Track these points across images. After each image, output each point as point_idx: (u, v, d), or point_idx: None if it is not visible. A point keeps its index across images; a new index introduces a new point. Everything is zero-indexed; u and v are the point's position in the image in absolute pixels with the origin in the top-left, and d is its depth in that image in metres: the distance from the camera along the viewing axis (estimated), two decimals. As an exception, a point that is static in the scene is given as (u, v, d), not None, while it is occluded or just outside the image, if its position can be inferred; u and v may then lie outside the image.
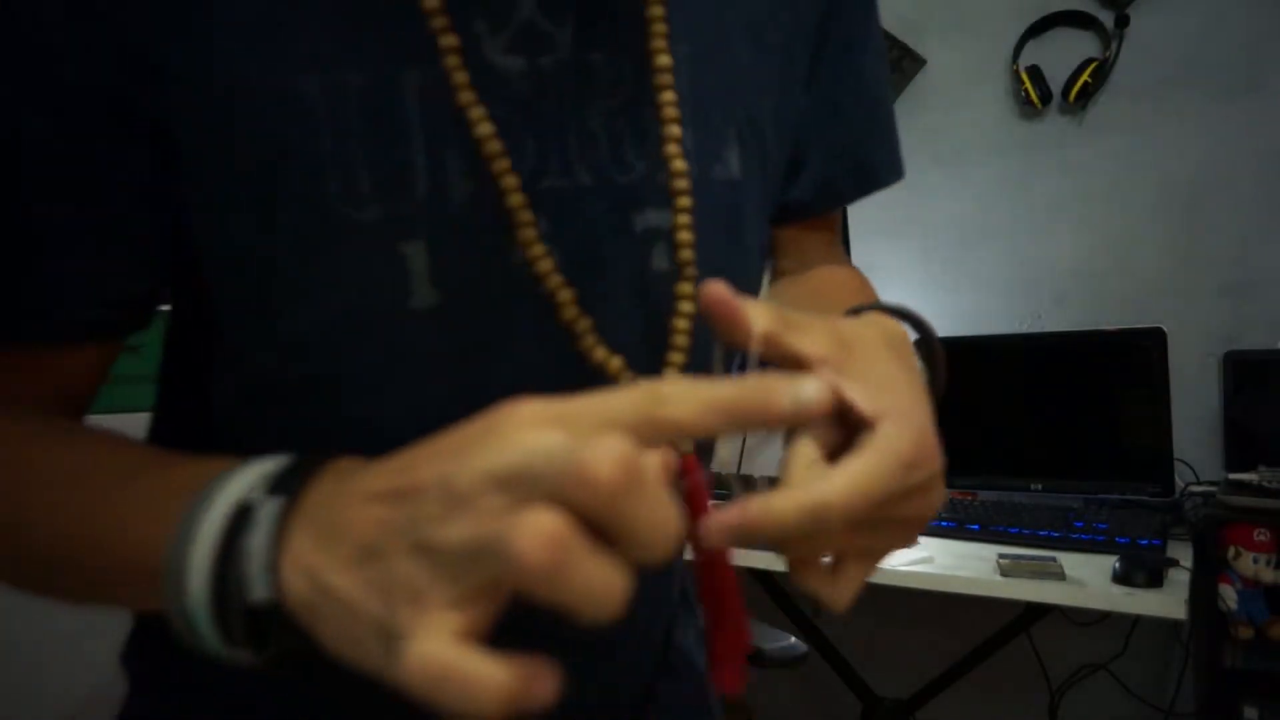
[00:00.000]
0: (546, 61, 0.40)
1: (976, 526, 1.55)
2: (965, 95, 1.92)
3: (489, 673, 0.23)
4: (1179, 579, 1.28)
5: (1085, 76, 1.73)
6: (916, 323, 0.42)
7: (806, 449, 0.31)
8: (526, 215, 0.38)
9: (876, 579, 1.37)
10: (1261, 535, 1.30)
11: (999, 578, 1.31)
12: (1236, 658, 1.31)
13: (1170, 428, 1.56)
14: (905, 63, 1.95)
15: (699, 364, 0.43)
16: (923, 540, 1.53)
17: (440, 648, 0.24)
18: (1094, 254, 1.80)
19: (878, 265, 2.00)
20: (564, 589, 0.23)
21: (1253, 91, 1.65)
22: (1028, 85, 1.79)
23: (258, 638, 0.30)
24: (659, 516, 0.25)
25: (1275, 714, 1.29)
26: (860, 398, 0.31)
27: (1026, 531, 1.49)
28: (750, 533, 0.27)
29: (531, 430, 0.25)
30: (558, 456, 0.24)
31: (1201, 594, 1.29)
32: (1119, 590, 1.24)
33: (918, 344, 0.42)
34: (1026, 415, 1.74)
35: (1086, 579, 1.28)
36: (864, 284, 0.61)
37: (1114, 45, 1.73)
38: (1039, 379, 1.73)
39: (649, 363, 0.41)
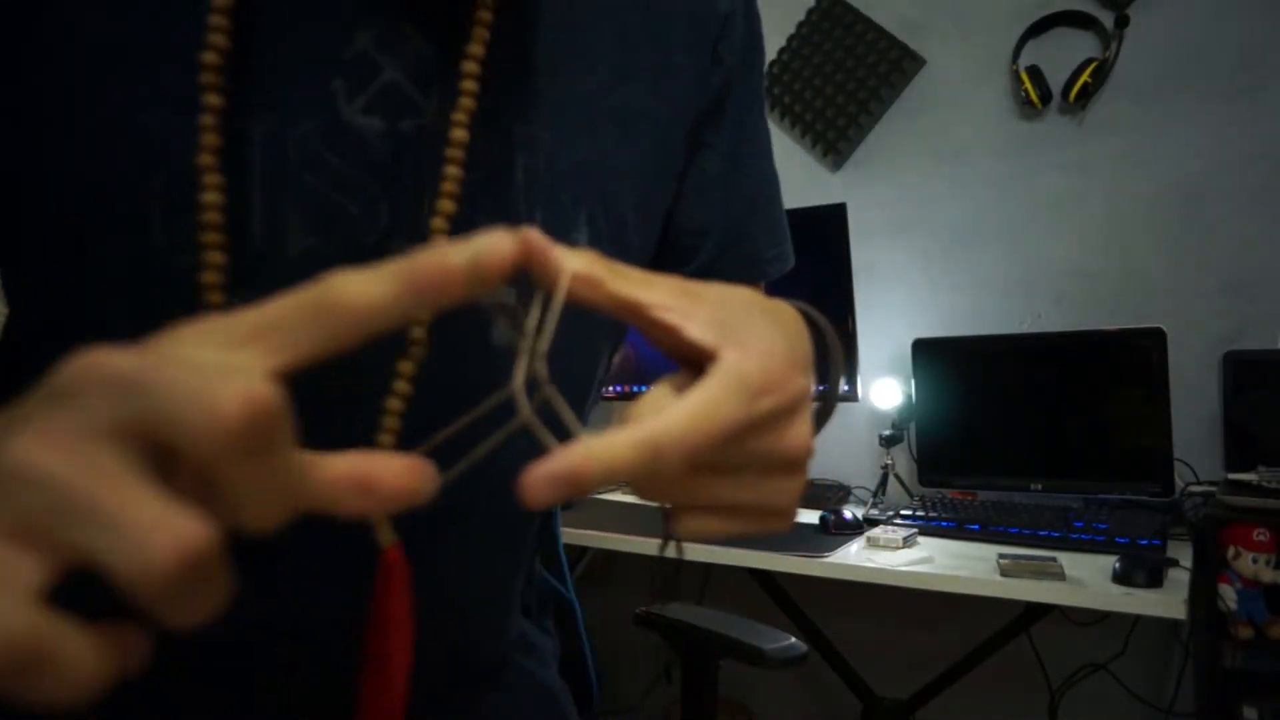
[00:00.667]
0: (407, 125, 0.40)
1: (976, 526, 1.55)
2: (965, 95, 1.92)
3: (84, 648, 0.19)
4: (1179, 579, 1.28)
5: (1085, 76, 1.73)
6: (810, 319, 0.43)
7: (660, 390, 0.28)
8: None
9: (877, 579, 1.38)
10: (1261, 535, 1.30)
11: (999, 578, 1.31)
12: (1236, 658, 1.31)
13: (1170, 428, 1.56)
14: (905, 63, 1.95)
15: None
16: (922, 540, 1.53)
17: (24, 616, 0.18)
18: (1094, 254, 1.80)
19: (878, 265, 2.00)
20: (166, 601, 0.19)
21: (1252, 91, 1.65)
22: (1028, 85, 1.79)
23: None
24: (275, 487, 0.21)
25: (1275, 714, 1.29)
26: (703, 334, 0.28)
27: (1026, 531, 1.49)
28: (578, 483, 0.24)
29: (177, 341, 0.21)
30: (182, 400, 0.19)
31: (1201, 594, 1.29)
32: (1119, 590, 1.24)
33: (817, 341, 0.42)
34: (1026, 415, 1.74)
35: (1086, 579, 1.28)
36: None
37: (1114, 45, 1.73)
38: (1039, 379, 1.73)
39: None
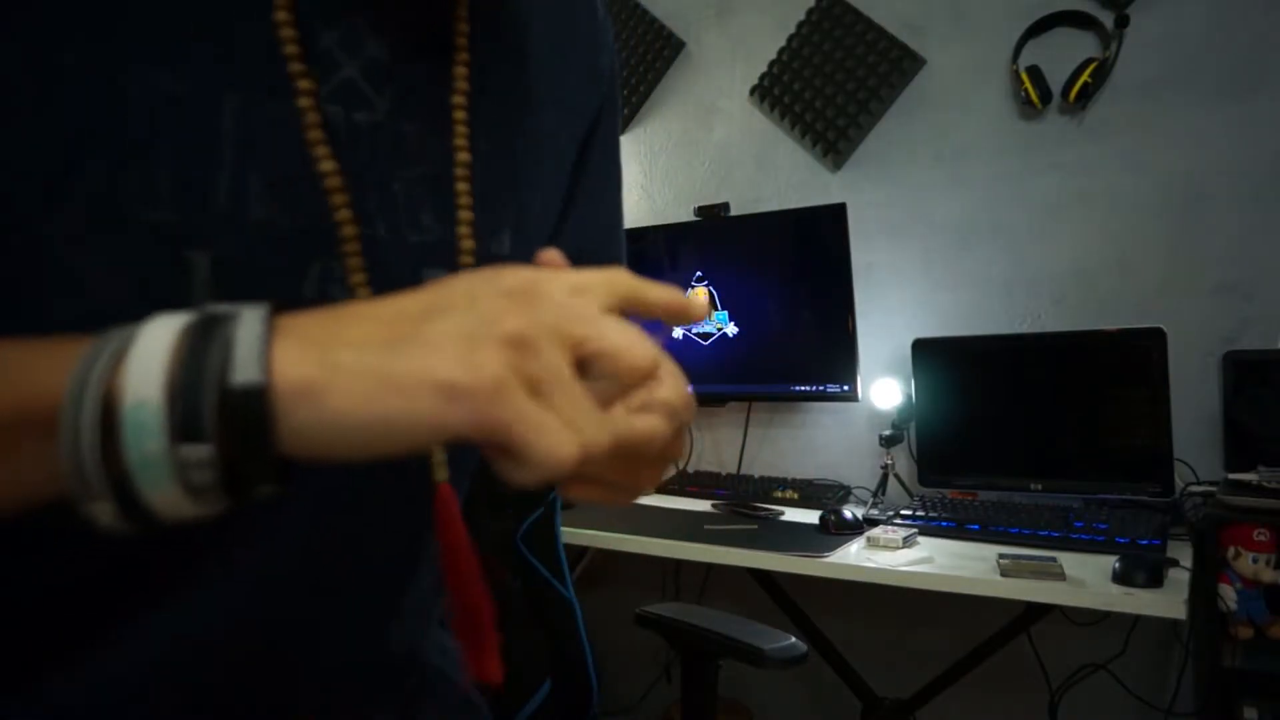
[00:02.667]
0: (361, 117, 0.46)
1: (976, 526, 1.55)
2: (965, 95, 1.92)
3: (570, 437, 0.29)
4: (1179, 579, 1.28)
5: (1085, 76, 1.73)
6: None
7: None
8: (353, 246, 0.43)
9: (877, 579, 1.38)
10: (1261, 535, 1.30)
11: (999, 578, 1.31)
12: (1236, 658, 1.31)
13: (1170, 428, 1.57)
14: (905, 63, 1.95)
15: None
16: (922, 540, 1.54)
17: (555, 422, 0.29)
18: (1094, 254, 1.80)
19: (878, 265, 2.00)
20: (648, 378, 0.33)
21: (1252, 91, 1.65)
22: (1028, 85, 1.79)
23: (225, 432, 0.28)
24: (678, 395, 0.34)
25: (1275, 714, 1.29)
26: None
27: (1026, 531, 1.49)
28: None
29: (613, 323, 0.32)
30: (633, 343, 0.32)
31: (1201, 594, 1.30)
32: (1119, 590, 1.24)
33: None
34: (1026, 415, 1.74)
35: (1086, 579, 1.28)
36: None
37: (1114, 45, 1.73)
38: (1039, 379, 1.73)
39: None
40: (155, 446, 0.27)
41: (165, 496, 0.28)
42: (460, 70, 0.48)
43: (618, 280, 0.34)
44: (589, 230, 0.63)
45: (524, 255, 0.53)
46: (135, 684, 0.45)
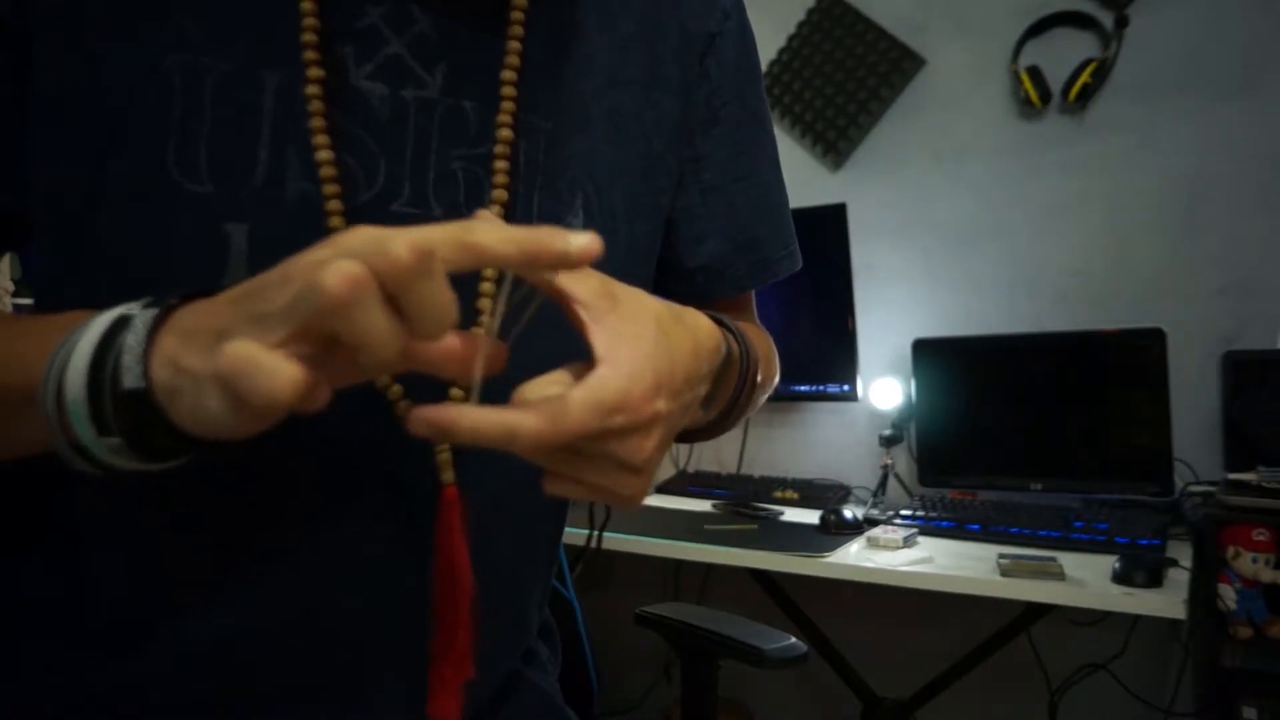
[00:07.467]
0: (408, 94, 0.45)
1: (976, 526, 1.55)
2: (965, 95, 1.92)
3: (285, 366, 0.28)
4: (1178, 579, 1.28)
5: (1085, 76, 1.73)
6: (730, 330, 0.48)
7: (557, 374, 0.35)
8: (339, 222, 0.43)
9: (877, 579, 1.38)
10: (1260, 535, 1.30)
11: (999, 578, 1.31)
12: (1235, 657, 1.31)
13: (1170, 428, 1.57)
14: (905, 63, 1.95)
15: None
16: (922, 540, 1.54)
17: (248, 347, 0.28)
18: (1094, 254, 1.80)
19: (878, 265, 2.00)
20: (357, 324, 0.27)
21: (1252, 91, 1.65)
22: (1028, 85, 1.79)
23: (127, 426, 0.33)
24: (441, 300, 0.29)
25: (1274, 714, 1.29)
26: (597, 341, 0.35)
27: (1026, 531, 1.49)
28: (445, 433, 0.31)
29: (357, 234, 0.29)
30: (371, 242, 0.28)
31: (1201, 594, 1.29)
32: (1119, 590, 1.24)
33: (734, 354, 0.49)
34: (1027, 415, 1.74)
35: (1086, 579, 1.28)
36: (761, 332, 0.65)
37: (1114, 45, 1.73)
38: (1039, 379, 1.73)
39: (439, 394, 0.46)
40: (90, 434, 0.33)
41: (114, 461, 0.34)
42: (513, 45, 0.47)
43: (439, 237, 0.29)
44: (724, 213, 0.59)
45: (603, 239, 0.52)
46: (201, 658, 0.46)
